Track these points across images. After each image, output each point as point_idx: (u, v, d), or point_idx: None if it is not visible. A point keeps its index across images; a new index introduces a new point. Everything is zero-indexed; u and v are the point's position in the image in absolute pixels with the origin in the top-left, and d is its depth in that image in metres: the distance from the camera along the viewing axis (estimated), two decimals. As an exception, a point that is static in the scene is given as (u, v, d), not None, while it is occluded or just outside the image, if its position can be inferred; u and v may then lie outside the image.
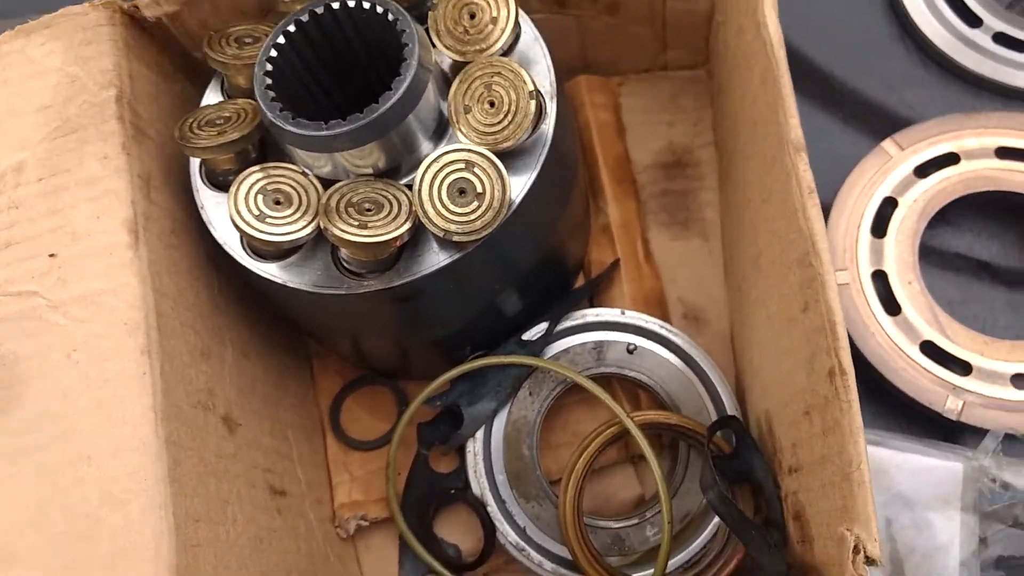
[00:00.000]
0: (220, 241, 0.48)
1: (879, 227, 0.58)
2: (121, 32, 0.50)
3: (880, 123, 0.62)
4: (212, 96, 0.52)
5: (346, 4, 0.46)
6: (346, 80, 0.51)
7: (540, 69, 0.48)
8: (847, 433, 0.37)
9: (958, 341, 0.55)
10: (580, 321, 0.55)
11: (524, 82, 0.45)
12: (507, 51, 0.48)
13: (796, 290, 0.41)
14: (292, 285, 0.46)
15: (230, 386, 0.50)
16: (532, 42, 0.49)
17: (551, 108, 0.47)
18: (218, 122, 0.48)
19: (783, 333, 0.44)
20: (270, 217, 0.45)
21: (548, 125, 0.46)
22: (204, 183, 0.49)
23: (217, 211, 0.48)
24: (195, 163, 0.50)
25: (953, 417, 0.53)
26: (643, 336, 0.55)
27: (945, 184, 0.58)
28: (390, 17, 0.44)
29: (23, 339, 0.43)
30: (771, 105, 0.43)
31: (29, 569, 0.39)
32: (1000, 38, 0.62)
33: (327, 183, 0.46)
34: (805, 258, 0.40)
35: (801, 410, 0.42)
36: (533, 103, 0.45)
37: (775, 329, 0.46)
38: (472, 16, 0.47)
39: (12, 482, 0.40)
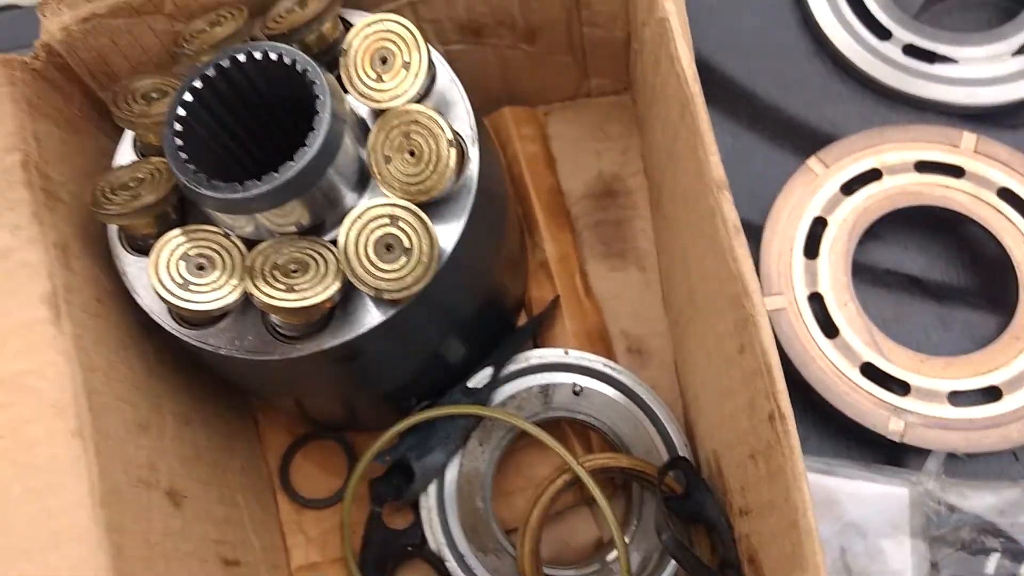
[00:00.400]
0: (147, 309, 0.46)
1: (811, 248, 0.59)
2: (22, 90, 0.48)
3: (804, 140, 0.63)
4: (125, 151, 0.50)
5: (252, 56, 0.44)
6: (262, 132, 0.50)
7: (459, 111, 0.47)
8: (791, 479, 0.37)
9: (895, 361, 0.56)
10: (525, 364, 0.55)
11: (442, 130, 0.44)
12: (424, 96, 0.47)
13: (732, 331, 0.41)
14: (224, 352, 0.45)
15: (172, 457, 0.48)
16: (449, 83, 0.48)
17: (473, 153, 0.46)
18: (131, 184, 0.46)
19: (723, 373, 0.44)
20: (193, 284, 0.44)
21: (472, 170, 0.46)
22: (124, 248, 0.47)
23: (141, 276, 0.47)
24: (113, 228, 0.48)
25: (897, 439, 0.54)
26: (588, 376, 0.55)
27: (871, 201, 0.59)
28: (299, 68, 0.43)
29: (-60, 433, 0.41)
30: (691, 141, 0.43)
31: None
32: (910, 50, 0.64)
33: (251, 243, 0.44)
34: (737, 299, 0.40)
35: (747, 453, 0.42)
36: (454, 151, 0.44)
37: (715, 368, 0.46)
38: (384, 61, 0.46)
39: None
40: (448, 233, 0.45)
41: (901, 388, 0.55)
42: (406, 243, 0.43)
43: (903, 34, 0.64)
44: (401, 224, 0.43)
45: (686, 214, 0.47)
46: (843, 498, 0.51)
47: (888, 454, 0.55)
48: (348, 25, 0.49)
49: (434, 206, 0.45)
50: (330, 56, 0.47)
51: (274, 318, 0.44)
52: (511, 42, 0.59)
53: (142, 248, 0.47)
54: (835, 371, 0.55)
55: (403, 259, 0.43)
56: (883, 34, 0.65)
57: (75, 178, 0.49)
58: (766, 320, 0.38)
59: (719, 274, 0.42)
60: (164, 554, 0.44)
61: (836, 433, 0.57)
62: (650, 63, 0.51)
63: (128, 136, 0.50)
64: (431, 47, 0.47)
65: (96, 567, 0.39)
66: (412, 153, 0.44)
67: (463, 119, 0.47)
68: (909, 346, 0.57)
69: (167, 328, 0.46)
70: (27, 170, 0.46)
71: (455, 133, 0.45)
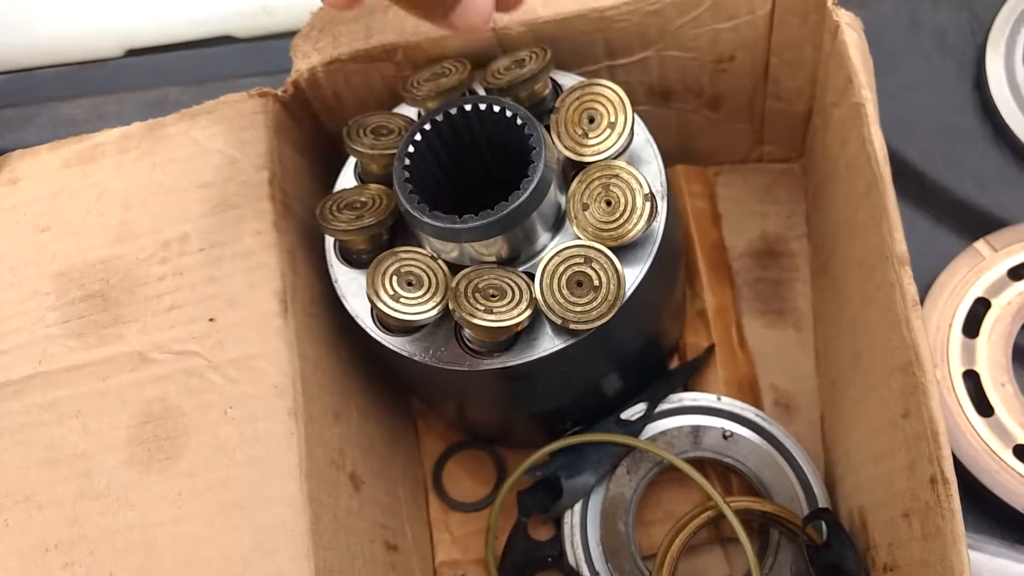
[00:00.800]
0: (352, 313, 0.53)
1: (971, 327, 0.60)
2: (273, 118, 0.56)
3: (972, 223, 0.64)
4: (347, 178, 0.57)
5: (478, 107, 0.50)
6: (469, 171, 0.56)
7: (652, 169, 0.52)
8: (949, 541, 0.39)
9: (1052, 445, 0.56)
10: (677, 404, 0.58)
11: (640, 185, 0.49)
12: (621, 152, 0.52)
13: (897, 396, 0.44)
14: (418, 359, 0.51)
15: (356, 446, 0.54)
16: (644, 143, 0.53)
17: (662, 207, 0.51)
18: (356, 206, 0.53)
19: (882, 435, 0.46)
20: (404, 297, 0.50)
21: (659, 223, 0.50)
22: (338, 259, 0.54)
23: (350, 286, 0.53)
24: (330, 240, 0.55)
25: (1046, 521, 0.54)
26: (738, 423, 0.58)
27: (1040, 288, 0.60)
28: (518, 121, 0.49)
29: (186, 394, 0.48)
30: (875, 217, 0.46)
31: (189, 605, 0.43)
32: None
33: (453, 267, 0.50)
34: (908, 367, 0.42)
35: (900, 512, 0.44)
36: (648, 204, 0.48)
37: (872, 429, 0.48)
38: (591, 120, 0.52)
39: (177, 522, 0.45)
40: (630, 276, 0.49)
41: (1057, 476, 0.55)
42: (595, 281, 0.48)
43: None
44: (594, 264, 0.48)
45: (860, 283, 0.50)
46: (986, 574, 0.51)
47: (1037, 540, 0.55)
48: (556, 84, 0.55)
49: (621, 251, 0.49)
50: (538, 111, 0.53)
51: (468, 334, 0.50)
52: (695, 107, 0.63)
53: (353, 261, 0.54)
54: (987, 450, 0.56)
55: (591, 295, 0.48)
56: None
57: (304, 196, 0.57)
58: (936, 389, 0.40)
59: (890, 342, 0.44)
60: (346, 528, 0.50)
61: (984, 512, 0.57)
62: (836, 140, 0.54)
63: (351, 163, 0.57)
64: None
65: (299, 528, 0.45)
66: (609, 203, 0.49)
67: (655, 176, 0.51)
68: (1069, 435, 0.56)
69: (371, 333, 0.52)
70: (272, 185, 0.53)
71: (650, 188, 0.50)
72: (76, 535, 0.46)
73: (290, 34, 1.03)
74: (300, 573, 0.44)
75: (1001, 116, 0.66)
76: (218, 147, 0.56)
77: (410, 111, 0.57)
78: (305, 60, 0.59)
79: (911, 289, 0.43)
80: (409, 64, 0.58)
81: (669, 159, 0.69)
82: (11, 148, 0.81)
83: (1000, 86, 0.67)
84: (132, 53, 1.10)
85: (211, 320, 0.51)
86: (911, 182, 0.67)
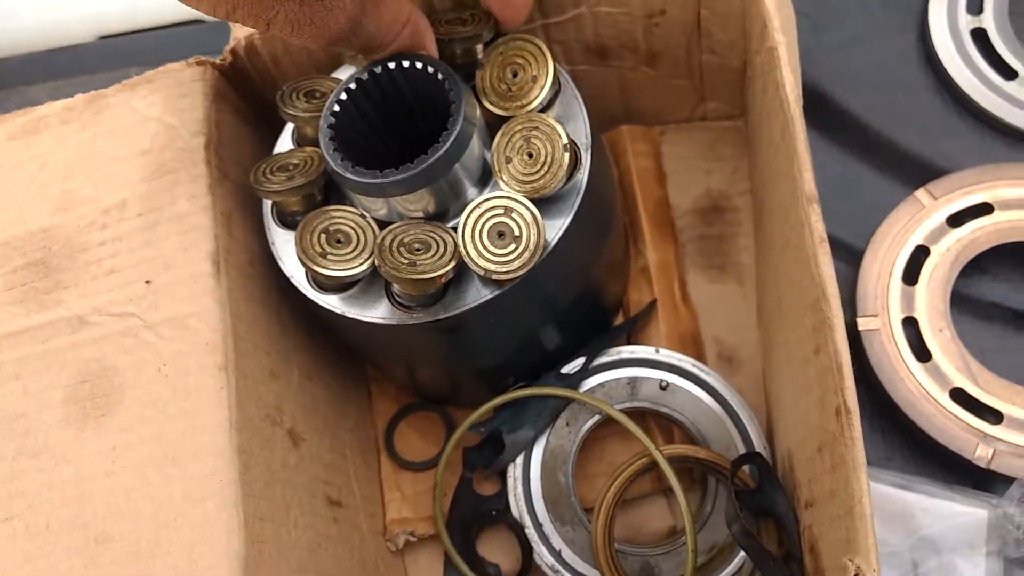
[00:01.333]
0: (288, 274, 0.54)
1: (911, 275, 0.60)
2: (211, 85, 0.57)
3: (915, 173, 0.64)
4: (285, 142, 0.58)
5: (401, 64, 0.51)
6: (399, 130, 0.56)
7: (577, 124, 0.52)
8: (851, 468, 0.39)
9: (989, 390, 0.56)
10: (616, 357, 0.59)
11: (559, 136, 0.49)
12: (547, 107, 0.52)
13: (810, 333, 0.44)
14: (350, 315, 0.51)
15: (295, 404, 0.55)
16: (571, 99, 0.53)
17: (586, 159, 0.51)
18: (288, 168, 0.54)
19: (800, 373, 0.47)
20: (331, 254, 0.50)
21: (583, 175, 0.51)
22: (275, 222, 0.55)
23: (286, 247, 0.54)
24: (267, 203, 0.56)
25: (983, 465, 0.54)
26: (676, 374, 0.58)
27: (978, 234, 0.60)
28: (440, 77, 0.49)
29: (122, 354, 0.49)
30: (788, 159, 0.46)
31: (122, 548, 0.45)
32: (1037, 89, 0.64)
33: (382, 224, 0.51)
34: (816, 303, 0.43)
35: (815, 447, 0.44)
36: (567, 155, 0.49)
37: (794, 369, 0.48)
38: (515, 75, 0.52)
39: (111, 476, 0.46)
40: (553, 228, 0.50)
41: (993, 416, 0.55)
42: (516, 232, 0.48)
43: (1031, 74, 0.64)
44: (514, 215, 0.48)
45: (780, 226, 0.50)
46: (919, 513, 0.51)
47: (974, 480, 0.55)
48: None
49: (545, 203, 0.50)
50: (468, 70, 0.54)
51: (396, 288, 0.50)
52: (633, 64, 0.63)
53: (289, 223, 0.55)
54: (924, 394, 0.56)
55: (512, 246, 0.48)
56: (1009, 74, 0.65)
57: (241, 161, 0.58)
58: (841, 323, 0.41)
59: (803, 281, 0.45)
60: (281, 480, 0.51)
61: (923, 455, 0.57)
62: (759, 88, 0.54)
63: (289, 128, 0.58)
64: (558, 65, 0.52)
65: (228, 478, 0.46)
66: (530, 155, 0.50)
67: (580, 130, 0.52)
68: (1008, 378, 0.56)
69: (304, 292, 0.53)
70: (207, 151, 0.54)
71: (571, 140, 0.50)
72: (15, 491, 0.48)
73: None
74: (228, 520, 0.45)
75: (943, 66, 0.66)
76: (156, 115, 0.56)
77: (348, 73, 0.58)
78: (242, 28, 0.59)
79: (818, 226, 0.43)
80: (346, 27, 0.59)
81: (614, 120, 0.70)
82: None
83: (942, 37, 0.67)
84: (104, 38, 1.11)
85: (147, 282, 0.52)
86: (857, 134, 0.67)
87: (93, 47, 1.02)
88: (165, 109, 0.56)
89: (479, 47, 0.54)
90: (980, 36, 0.67)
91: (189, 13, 1.09)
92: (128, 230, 0.53)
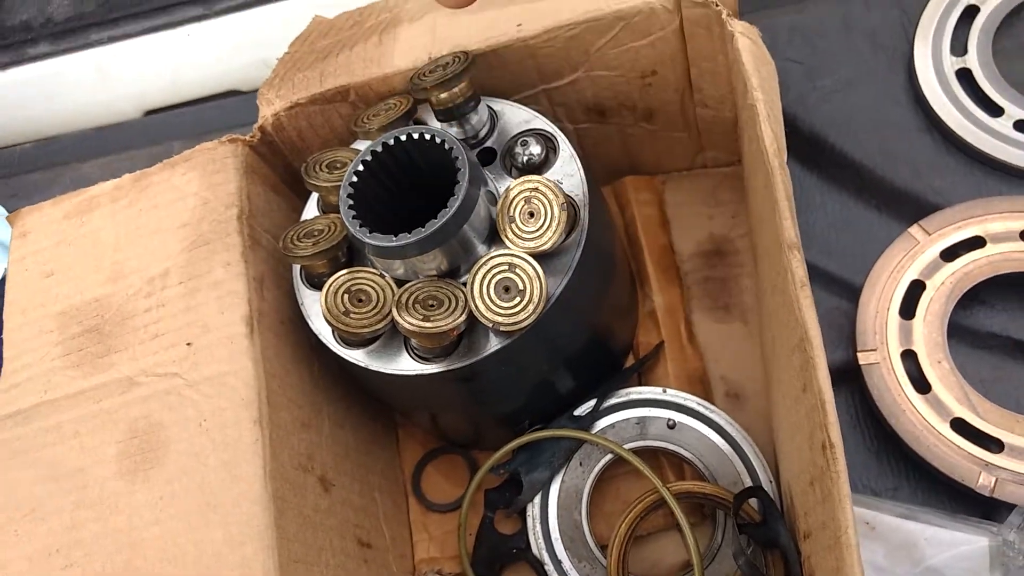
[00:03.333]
0: (316, 332, 0.58)
1: (908, 309, 0.62)
2: (242, 160, 0.62)
3: (909, 209, 0.67)
4: (311, 210, 0.63)
5: (411, 136, 0.55)
6: (413, 194, 0.61)
7: (575, 182, 0.56)
8: (837, 501, 0.42)
9: (989, 419, 0.57)
10: (625, 399, 0.62)
11: (556, 195, 0.53)
12: (546, 164, 0.57)
13: (797, 372, 0.47)
14: (373, 368, 0.56)
15: (326, 452, 0.59)
16: (569, 159, 0.58)
17: (584, 215, 0.55)
18: (314, 234, 0.59)
19: (792, 410, 0.49)
20: (354, 313, 0.55)
21: (581, 230, 0.55)
22: (303, 283, 0.60)
23: (314, 307, 0.59)
24: (296, 267, 0.60)
25: (986, 493, 0.55)
26: (683, 413, 0.61)
27: (972, 267, 0.62)
28: (447, 146, 0.54)
29: (167, 411, 0.54)
30: (771, 208, 0.49)
31: (168, 594, 0.49)
32: (1021, 125, 0.66)
33: (401, 282, 0.55)
34: (801, 344, 0.45)
35: (808, 480, 0.47)
36: (565, 213, 0.53)
37: (788, 406, 0.51)
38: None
39: (159, 523, 0.51)
40: (555, 281, 0.53)
41: (995, 445, 0.57)
42: (520, 286, 0.52)
43: (1015, 111, 0.67)
44: (518, 271, 0.52)
45: (768, 270, 0.53)
46: (923, 543, 0.53)
47: (979, 508, 0.57)
48: (493, 111, 0.60)
49: (547, 257, 0.53)
50: (460, 111, 0.58)
51: (414, 342, 0.55)
52: (632, 121, 0.68)
53: (317, 284, 0.59)
54: (925, 424, 0.58)
55: (517, 299, 0.52)
56: (995, 112, 0.68)
57: (272, 228, 0.63)
58: (823, 362, 0.43)
59: (789, 322, 0.47)
60: (313, 524, 0.55)
61: (928, 485, 0.59)
62: (746, 140, 0.58)
63: (314, 197, 0.63)
64: (556, 126, 0.56)
65: (264, 524, 0.50)
66: (531, 214, 0.54)
67: (577, 187, 0.56)
68: (1007, 407, 0.58)
69: (330, 347, 0.57)
70: (240, 221, 0.59)
71: (568, 198, 0.54)
72: (73, 540, 0.52)
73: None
74: (265, 562, 0.49)
75: (931, 106, 0.69)
76: (194, 190, 0.62)
77: (364, 146, 0.63)
78: (269, 107, 0.65)
79: (799, 271, 0.46)
80: (362, 102, 0.64)
81: (618, 172, 0.74)
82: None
83: (929, 77, 0.70)
84: (149, 113, 1.19)
85: (188, 344, 0.57)
86: (852, 174, 0.70)
87: (139, 123, 1.11)
88: (201, 184, 0.62)
89: (464, 87, 0.58)
90: (965, 76, 0.69)
91: (223, 84, 1.17)
92: (170, 297, 0.58)
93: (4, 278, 0.88)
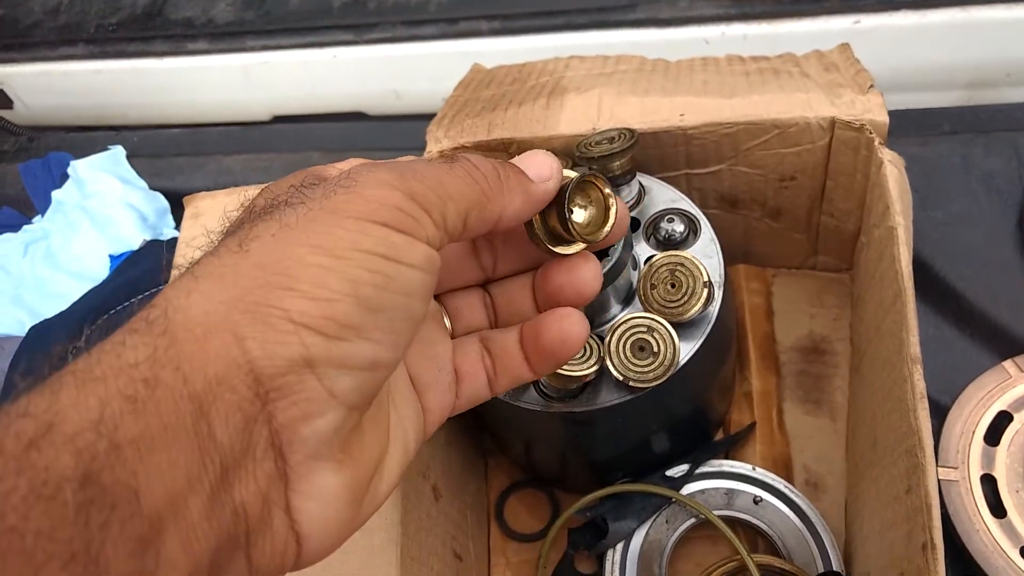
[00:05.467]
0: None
1: (992, 436, 0.66)
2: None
3: (1003, 345, 0.71)
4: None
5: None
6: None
7: (713, 263, 0.62)
8: (934, 598, 0.46)
9: (1058, 551, 0.61)
10: (716, 468, 0.67)
11: (701, 273, 0.59)
12: (691, 242, 0.63)
13: (903, 474, 0.51)
14: (501, 398, 0.61)
15: (438, 464, 0.64)
16: (709, 241, 0.63)
17: (718, 294, 0.60)
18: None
19: (888, 509, 0.54)
20: (495, 343, 0.60)
21: (714, 307, 0.60)
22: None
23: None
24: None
25: (1046, 620, 0.59)
26: (768, 491, 0.65)
27: (1059, 408, 0.66)
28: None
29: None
30: (897, 323, 0.55)
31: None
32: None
33: (539, 325, 0.61)
34: (912, 449, 0.50)
35: (897, 574, 0.51)
36: (706, 290, 0.58)
37: (882, 504, 0.55)
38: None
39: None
40: (685, 349, 0.59)
41: (1059, 579, 0.60)
42: (655, 348, 0.58)
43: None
44: (655, 334, 0.58)
45: (882, 379, 0.58)
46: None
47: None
48: (642, 186, 0.66)
49: (681, 327, 0.59)
50: (617, 182, 0.64)
51: (544, 380, 0.60)
52: (759, 216, 0.73)
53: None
54: (997, 548, 0.62)
55: (651, 359, 0.57)
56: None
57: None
58: (934, 469, 0.48)
59: (901, 428, 0.52)
60: (425, 528, 0.59)
61: (989, 605, 0.62)
62: (874, 256, 0.63)
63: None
64: (700, 210, 0.62)
65: (394, 519, 0.55)
66: (674, 285, 0.59)
67: (715, 268, 0.61)
68: (1076, 545, 0.62)
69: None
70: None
71: (709, 277, 0.60)
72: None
73: (415, 116, 1.20)
74: (390, 553, 0.54)
75: (1037, 255, 0.74)
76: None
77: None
78: (437, 144, 0.72)
79: (920, 384, 0.51)
80: (520, 156, 0.71)
81: (733, 259, 0.80)
82: (181, 189, 0.97)
83: (1038, 228, 0.75)
84: (277, 120, 1.28)
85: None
86: (952, 303, 0.75)
87: (272, 128, 1.19)
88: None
89: (626, 161, 0.64)
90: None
91: (351, 105, 1.26)
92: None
93: (144, 249, 0.95)
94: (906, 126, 0.85)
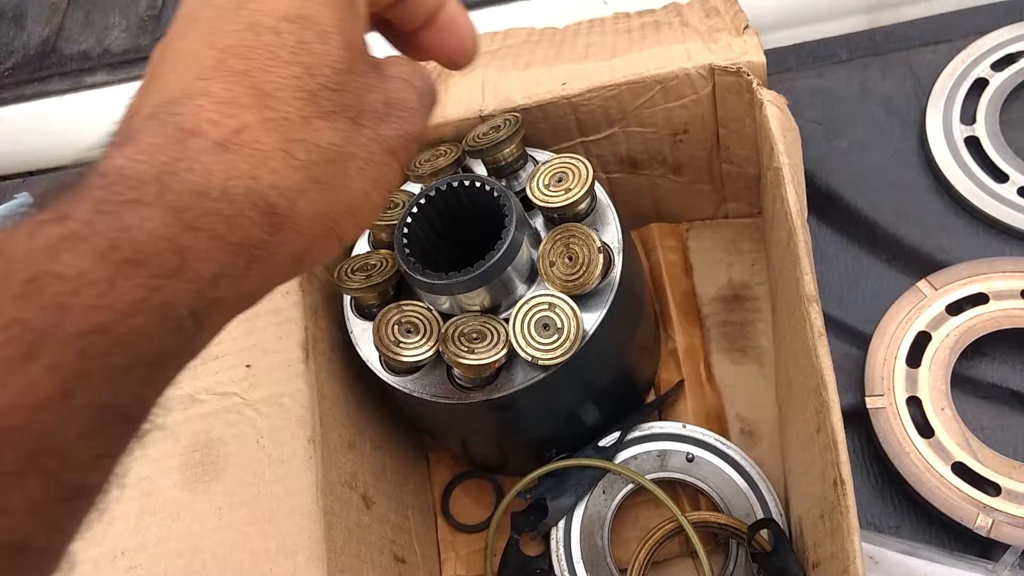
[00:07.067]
0: (364, 358, 0.63)
1: (914, 358, 0.66)
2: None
3: (917, 265, 0.71)
4: (362, 244, 0.68)
5: (463, 183, 0.61)
6: (460, 235, 0.66)
7: (610, 229, 0.61)
8: (846, 533, 0.46)
9: (988, 464, 0.61)
10: (647, 432, 0.66)
11: (594, 241, 0.58)
12: (587, 214, 0.62)
13: (812, 414, 0.51)
14: (417, 395, 0.60)
15: (367, 471, 0.64)
16: (605, 208, 0.63)
17: (618, 260, 0.60)
18: (366, 268, 0.63)
19: (806, 448, 0.54)
20: (403, 343, 0.59)
21: (615, 273, 0.59)
22: (354, 314, 0.64)
23: (363, 336, 0.63)
24: (347, 298, 0.65)
25: (984, 534, 0.59)
26: (701, 447, 0.65)
27: (975, 321, 0.66)
28: (495, 195, 0.59)
29: (225, 428, 0.59)
30: (792, 263, 0.54)
31: (224, 599, 0.53)
32: (1024, 192, 0.71)
33: (445, 316, 0.60)
34: (817, 389, 0.50)
35: (818, 514, 0.51)
36: (602, 256, 0.58)
37: (801, 445, 0.55)
38: (559, 180, 0.61)
39: (217, 531, 0.55)
40: (591, 319, 0.58)
41: (992, 489, 0.61)
42: (559, 324, 0.57)
43: (1019, 178, 0.72)
44: (557, 310, 0.57)
45: (788, 319, 0.58)
46: (922, 577, 0.57)
47: (976, 548, 0.60)
48: (530, 157, 0.65)
49: (583, 298, 0.58)
50: (510, 169, 0.63)
51: (457, 372, 0.59)
52: (661, 173, 0.73)
53: (366, 315, 0.64)
54: (928, 467, 0.62)
55: (555, 336, 0.57)
56: (1000, 177, 0.73)
57: (329, 262, 0.68)
58: (837, 406, 0.48)
59: (806, 368, 0.52)
60: (356, 538, 0.59)
61: (929, 524, 0.63)
62: (769, 198, 0.63)
63: (365, 233, 0.68)
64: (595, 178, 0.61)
65: (316, 536, 0.54)
66: (570, 258, 0.59)
67: (613, 234, 0.61)
68: (1005, 453, 0.62)
69: (378, 374, 0.62)
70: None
71: (604, 244, 0.59)
72: (138, 544, 0.57)
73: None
74: (316, 571, 0.53)
75: (941, 170, 0.74)
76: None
77: (414, 187, 0.68)
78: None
79: (818, 322, 0.51)
80: (413, 148, 0.69)
81: (645, 219, 0.79)
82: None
83: (939, 143, 0.75)
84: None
85: (247, 366, 0.61)
86: (865, 230, 0.75)
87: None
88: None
89: (513, 150, 0.63)
90: (973, 143, 0.75)
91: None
92: (233, 323, 0.63)
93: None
94: (804, 59, 0.85)
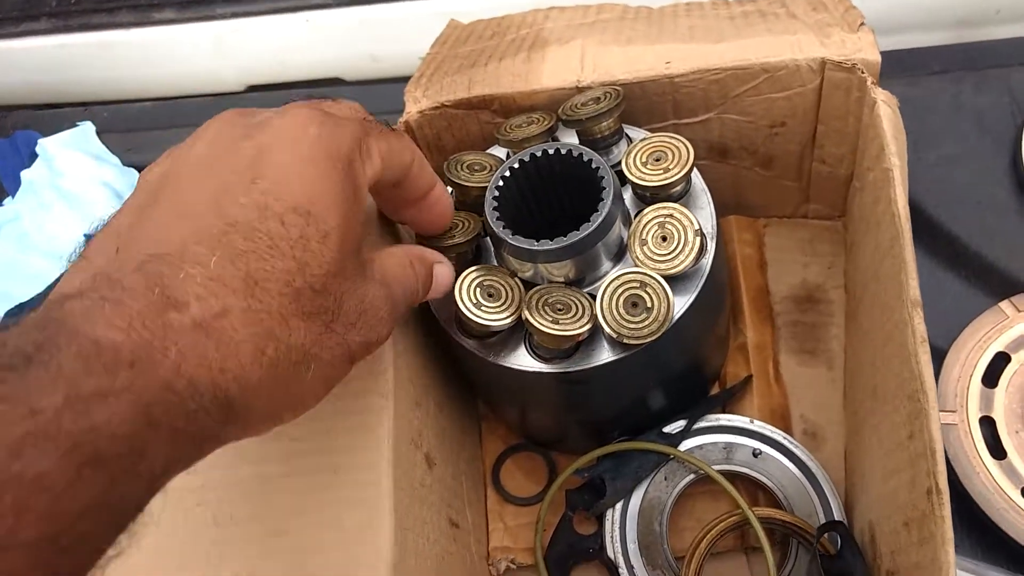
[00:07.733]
0: (441, 321, 0.62)
1: (990, 378, 0.66)
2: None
3: (999, 285, 0.70)
4: (443, 205, 0.67)
5: (559, 151, 0.60)
6: (547, 204, 0.65)
7: (705, 214, 0.60)
8: (939, 544, 0.45)
9: (1059, 490, 0.61)
10: (714, 423, 0.66)
11: (692, 223, 0.57)
12: (682, 195, 0.61)
13: (905, 420, 0.50)
14: (491, 359, 0.59)
15: (431, 432, 0.63)
16: (700, 191, 0.62)
17: (711, 246, 0.59)
18: (450, 228, 0.63)
19: (891, 456, 0.53)
20: (484, 306, 0.59)
21: (708, 259, 0.58)
22: (432, 273, 0.64)
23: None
24: (425, 256, 0.64)
25: (1049, 558, 0.59)
26: (767, 444, 0.65)
27: (1057, 347, 0.65)
28: (593, 165, 0.58)
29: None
30: (896, 267, 0.53)
31: (292, 542, 0.52)
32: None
33: (527, 285, 0.59)
34: (914, 394, 0.49)
35: (901, 522, 0.50)
36: (698, 240, 0.57)
37: (884, 451, 0.54)
38: (657, 160, 0.60)
39: (286, 478, 0.54)
40: (679, 303, 0.57)
41: (1060, 517, 0.60)
42: (648, 303, 0.56)
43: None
44: (648, 289, 0.56)
45: (882, 323, 0.57)
46: (986, 599, 0.56)
47: (1038, 573, 0.60)
48: (628, 137, 0.64)
49: (673, 280, 0.57)
50: (606, 143, 0.62)
51: (536, 340, 0.58)
52: (749, 165, 0.71)
53: (444, 276, 0.63)
54: (997, 489, 0.61)
55: (644, 315, 0.56)
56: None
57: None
58: (936, 413, 0.47)
59: (902, 374, 0.51)
60: (419, 498, 0.58)
61: (991, 544, 0.62)
62: (869, 200, 0.61)
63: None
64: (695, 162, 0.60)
65: (384, 490, 0.53)
66: (664, 238, 0.58)
67: (707, 219, 0.60)
68: (1077, 483, 0.61)
69: (454, 336, 0.61)
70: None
71: (700, 228, 0.58)
72: (207, 482, 0.56)
73: (394, 80, 1.16)
74: (381, 526, 0.52)
75: (1032, 190, 0.73)
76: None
77: (500, 152, 0.67)
78: (415, 104, 0.69)
79: (920, 328, 0.50)
80: (502, 112, 0.68)
81: (724, 209, 0.78)
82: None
83: (1032, 163, 0.74)
84: (252, 89, 1.24)
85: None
86: (946, 245, 0.74)
87: (248, 97, 1.16)
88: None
89: (611, 123, 0.62)
90: (1067, 167, 0.73)
91: (327, 71, 1.22)
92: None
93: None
94: (894, 67, 0.83)
